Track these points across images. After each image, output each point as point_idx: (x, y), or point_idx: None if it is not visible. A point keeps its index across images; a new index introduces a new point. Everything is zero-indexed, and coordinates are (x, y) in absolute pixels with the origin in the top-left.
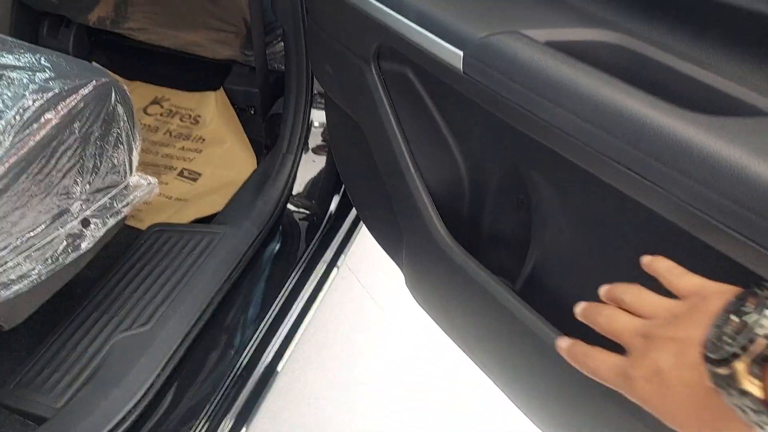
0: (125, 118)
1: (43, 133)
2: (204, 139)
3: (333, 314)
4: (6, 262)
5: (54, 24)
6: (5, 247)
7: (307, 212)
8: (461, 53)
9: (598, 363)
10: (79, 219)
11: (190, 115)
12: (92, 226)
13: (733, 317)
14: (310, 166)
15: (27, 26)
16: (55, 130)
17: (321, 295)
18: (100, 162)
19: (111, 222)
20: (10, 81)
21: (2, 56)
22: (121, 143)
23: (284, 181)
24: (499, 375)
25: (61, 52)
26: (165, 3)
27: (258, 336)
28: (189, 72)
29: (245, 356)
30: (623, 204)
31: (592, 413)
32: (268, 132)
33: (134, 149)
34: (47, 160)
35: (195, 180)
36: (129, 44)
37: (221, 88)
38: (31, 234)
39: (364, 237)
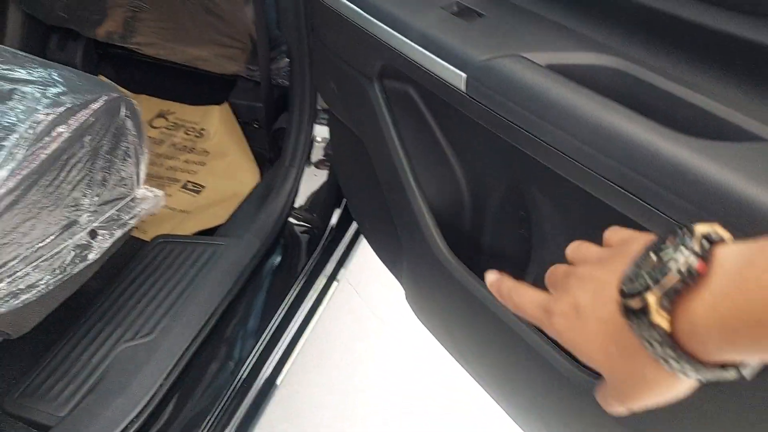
0: (134, 133)
1: (54, 146)
2: (208, 152)
3: (332, 326)
4: (16, 272)
5: (62, 38)
6: (15, 258)
7: (308, 225)
8: (464, 75)
9: (523, 298)
10: (87, 230)
11: (194, 129)
12: (99, 237)
13: (652, 255)
14: (311, 180)
15: (36, 39)
16: (66, 143)
17: (320, 308)
18: (109, 175)
19: (118, 233)
20: (22, 95)
21: (15, 70)
22: (129, 156)
23: (287, 194)
24: (498, 390)
25: (69, 66)
26: (173, 19)
27: (258, 349)
28: (194, 86)
29: (245, 368)
30: (621, 223)
31: (589, 427)
32: (272, 146)
33: (141, 162)
34: (58, 172)
35: (198, 192)
36: (135, 58)
37: (226, 102)
38: (41, 244)
39: (363, 250)
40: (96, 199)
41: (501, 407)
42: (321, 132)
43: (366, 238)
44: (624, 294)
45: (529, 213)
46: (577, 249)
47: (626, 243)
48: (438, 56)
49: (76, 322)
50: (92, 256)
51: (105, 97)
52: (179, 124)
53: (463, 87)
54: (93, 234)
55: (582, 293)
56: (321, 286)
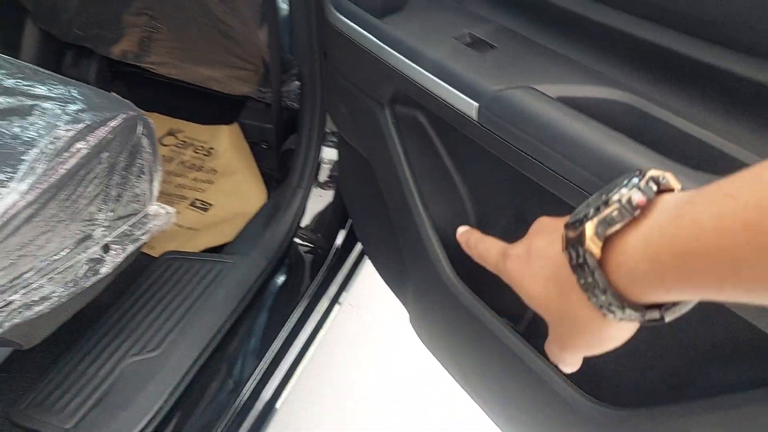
0: (149, 150)
1: (73, 161)
2: (216, 171)
3: (333, 350)
4: (30, 284)
5: (77, 55)
6: (30, 269)
7: (312, 245)
8: (476, 104)
9: (485, 245)
10: (100, 245)
11: (203, 147)
12: (112, 251)
13: (603, 194)
14: (316, 201)
15: (51, 55)
16: (84, 159)
17: (322, 333)
18: (124, 191)
19: (130, 248)
20: (43, 111)
21: (36, 86)
22: (144, 174)
23: (293, 214)
24: (501, 415)
25: (83, 83)
26: (187, 40)
27: (260, 371)
28: (205, 105)
29: (246, 390)
30: None
31: None
32: (280, 166)
33: (155, 180)
34: (76, 187)
35: (206, 210)
36: (148, 76)
37: (235, 123)
38: (55, 257)
39: (366, 272)
40: (110, 214)
41: None
42: (328, 154)
43: (371, 260)
44: (567, 225)
45: None
46: None
47: None
48: (451, 85)
49: (84, 334)
50: (104, 270)
51: (123, 116)
52: (188, 143)
53: (474, 116)
54: (106, 248)
55: (538, 238)
56: (323, 309)
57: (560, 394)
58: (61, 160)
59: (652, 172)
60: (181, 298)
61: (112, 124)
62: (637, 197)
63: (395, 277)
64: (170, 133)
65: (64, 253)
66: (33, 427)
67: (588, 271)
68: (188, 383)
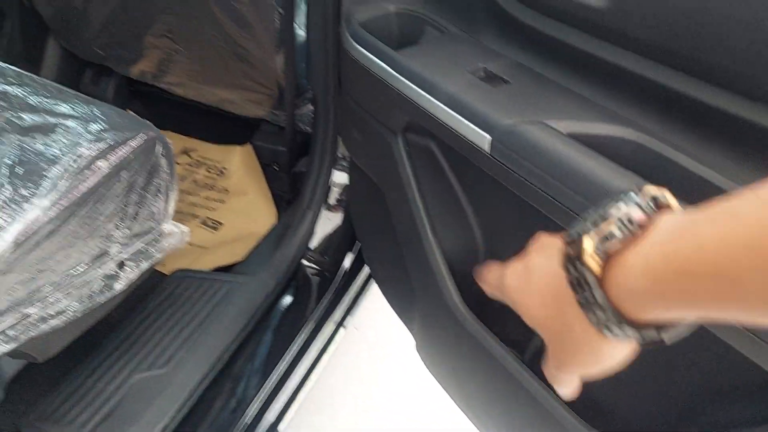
0: (167, 170)
1: (94, 180)
2: (228, 190)
3: (337, 374)
4: (47, 298)
5: (97, 73)
6: (48, 284)
7: (319, 268)
8: (489, 137)
9: (489, 271)
10: (115, 261)
11: (216, 167)
12: (127, 268)
13: (600, 209)
14: (324, 223)
15: (71, 73)
16: (105, 177)
17: (327, 356)
18: (140, 209)
19: (144, 265)
20: (66, 129)
21: (59, 105)
22: (161, 192)
23: (302, 236)
24: None
25: (101, 100)
26: (205, 63)
27: (264, 392)
28: (218, 126)
29: (251, 412)
30: None
31: None
32: (291, 188)
33: (171, 199)
34: (95, 204)
35: (216, 229)
36: (164, 95)
37: (248, 144)
38: (72, 273)
39: (372, 296)
40: (127, 231)
41: None
42: (339, 177)
43: (378, 284)
44: (565, 241)
45: None
46: None
47: None
48: (465, 117)
49: (95, 349)
50: (119, 287)
51: (143, 136)
52: (202, 162)
53: (487, 148)
54: (121, 265)
55: (536, 254)
56: (329, 332)
57: (563, 425)
58: (82, 177)
59: (651, 190)
60: (191, 316)
61: (132, 144)
62: (638, 215)
63: (402, 302)
64: (184, 152)
65: (81, 269)
66: None
67: (587, 288)
68: (195, 401)
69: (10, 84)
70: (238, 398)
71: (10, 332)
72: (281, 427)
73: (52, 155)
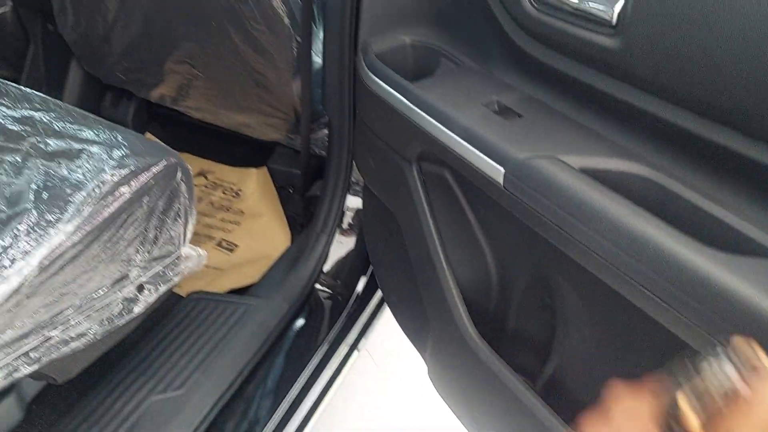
0: (186, 195)
1: (117, 205)
2: (243, 213)
3: (349, 398)
4: (69, 320)
5: (117, 96)
6: (70, 307)
7: (332, 292)
8: (502, 170)
9: None
10: (135, 284)
11: (231, 189)
12: (146, 291)
13: (691, 365)
14: (337, 247)
15: (92, 96)
16: (127, 203)
17: (339, 379)
18: (160, 233)
19: (163, 289)
20: (90, 155)
21: (83, 131)
22: (180, 217)
23: (316, 260)
24: None
25: (120, 123)
26: (223, 88)
27: (278, 415)
28: (235, 149)
29: None
30: (644, 320)
31: None
32: (305, 211)
33: (189, 223)
34: (117, 229)
35: (232, 251)
36: (182, 118)
37: (264, 166)
38: (94, 296)
39: (384, 320)
40: (147, 255)
41: None
42: (352, 202)
43: (391, 309)
44: (662, 411)
45: (554, 300)
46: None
47: None
48: (478, 149)
49: (112, 370)
50: (137, 310)
51: (164, 162)
52: (218, 184)
53: (500, 180)
54: (140, 288)
55: (623, 419)
56: (342, 356)
57: None
58: (105, 203)
59: (743, 348)
60: (206, 338)
61: (154, 170)
62: (734, 375)
63: (415, 327)
64: (201, 174)
65: (102, 292)
66: None
67: None
68: (209, 424)
69: (36, 110)
70: (251, 421)
71: (33, 354)
72: None
73: (77, 180)
